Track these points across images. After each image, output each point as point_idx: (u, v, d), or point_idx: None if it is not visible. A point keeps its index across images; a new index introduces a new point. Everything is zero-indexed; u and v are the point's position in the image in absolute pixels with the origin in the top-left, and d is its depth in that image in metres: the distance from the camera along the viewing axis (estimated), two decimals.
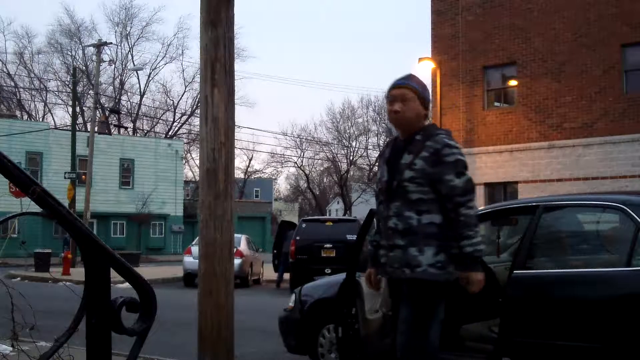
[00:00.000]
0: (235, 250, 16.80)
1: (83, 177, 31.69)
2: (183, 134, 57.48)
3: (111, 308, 2.66)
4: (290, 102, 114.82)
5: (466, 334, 5.72)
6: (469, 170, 3.85)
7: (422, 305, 3.81)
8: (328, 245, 18.62)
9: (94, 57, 36.75)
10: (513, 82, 21.78)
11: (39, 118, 55.62)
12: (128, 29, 56.88)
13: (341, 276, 5.76)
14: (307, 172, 61.39)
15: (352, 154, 56.41)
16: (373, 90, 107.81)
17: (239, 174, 60.76)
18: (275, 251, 21.41)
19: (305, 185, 64.18)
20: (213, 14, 5.21)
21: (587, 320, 4.74)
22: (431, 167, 3.76)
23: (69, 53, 55.79)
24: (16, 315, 4.60)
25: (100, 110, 46.84)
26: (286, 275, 20.53)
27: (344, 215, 54.65)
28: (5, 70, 55.29)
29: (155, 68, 57.90)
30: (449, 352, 5.59)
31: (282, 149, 67.92)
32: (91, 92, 42.59)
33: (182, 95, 59.95)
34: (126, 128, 51.45)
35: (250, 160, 64.52)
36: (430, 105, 4.11)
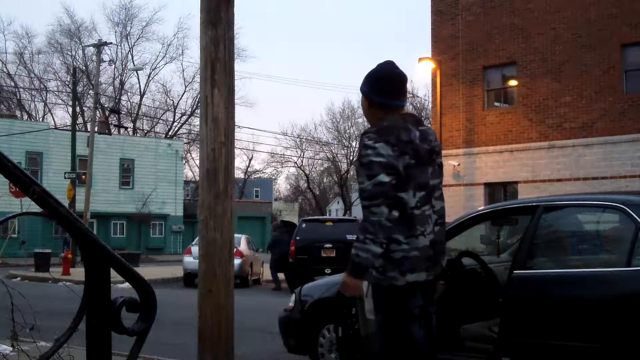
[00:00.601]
0: (235, 250, 16.79)
1: (83, 177, 31.68)
2: (183, 134, 57.51)
3: (111, 308, 2.66)
4: (290, 102, 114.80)
5: (466, 334, 5.72)
6: (393, 171, 3.56)
7: (378, 308, 3.80)
8: (328, 245, 18.62)
9: (94, 57, 36.75)
10: (513, 82, 21.78)
11: (39, 118, 55.64)
12: (128, 29, 56.93)
13: (341, 276, 5.76)
14: (307, 172, 61.39)
15: (352, 154, 56.36)
16: None
17: (239, 174, 60.77)
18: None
19: (305, 185, 64.18)
20: (213, 14, 5.21)
21: (587, 320, 4.74)
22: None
23: (69, 53, 55.83)
24: (16, 315, 4.60)
25: (100, 110, 46.85)
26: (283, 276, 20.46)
27: (344, 215, 54.64)
28: (5, 70, 55.33)
29: (155, 68, 57.95)
30: (449, 352, 5.59)
31: (282, 149, 67.93)
32: (91, 92, 42.58)
33: (182, 95, 60.04)
34: (126, 128, 51.43)
35: (250, 160, 64.59)
36: (397, 97, 3.81)
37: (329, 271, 16.34)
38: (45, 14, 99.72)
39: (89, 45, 47.19)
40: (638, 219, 4.73)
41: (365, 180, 3.58)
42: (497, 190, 21.85)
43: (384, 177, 3.54)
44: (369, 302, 5.33)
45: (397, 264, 3.62)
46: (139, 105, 56.90)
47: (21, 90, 55.38)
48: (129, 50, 57.22)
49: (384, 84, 3.80)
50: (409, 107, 43.75)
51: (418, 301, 3.76)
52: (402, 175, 3.61)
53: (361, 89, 3.89)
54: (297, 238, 19.04)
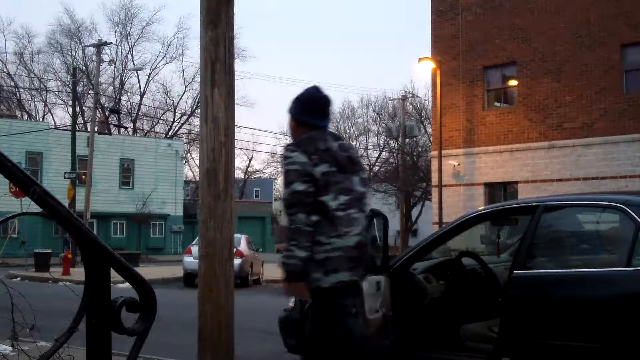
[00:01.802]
0: (235, 250, 16.78)
1: (83, 177, 31.69)
2: (183, 134, 57.46)
3: (111, 308, 2.66)
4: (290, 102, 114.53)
5: (466, 334, 5.72)
6: (309, 179, 3.80)
7: (317, 312, 4.03)
8: None
9: (94, 57, 36.76)
10: (513, 82, 21.78)
11: (39, 118, 55.61)
12: (128, 29, 56.86)
13: None
14: None
15: None
16: (373, 90, 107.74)
17: (239, 174, 60.71)
18: None
19: None
20: (213, 14, 5.22)
21: (587, 320, 4.74)
22: None
23: (69, 53, 55.77)
24: (16, 315, 4.61)
25: (100, 110, 46.85)
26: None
27: None
28: (5, 70, 55.30)
29: (155, 68, 57.83)
30: (449, 352, 5.60)
31: (282, 149, 67.75)
32: (91, 92, 42.59)
33: (182, 95, 59.85)
34: (126, 128, 51.40)
35: (250, 160, 64.56)
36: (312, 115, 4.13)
37: None
38: (45, 14, 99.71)
39: (89, 45, 47.22)
40: (638, 219, 4.73)
41: (285, 188, 3.86)
42: (497, 190, 21.85)
43: (298, 186, 3.78)
44: (369, 302, 5.34)
45: (320, 265, 3.79)
46: (139, 105, 56.89)
47: (21, 90, 55.41)
48: (129, 50, 57.22)
49: (310, 106, 4.09)
50: (409, 107, 43.72)
51: (352, 300, 3.95)
52: (320, 181, 3.81)
53: (289, 111, 4.12)
54: None
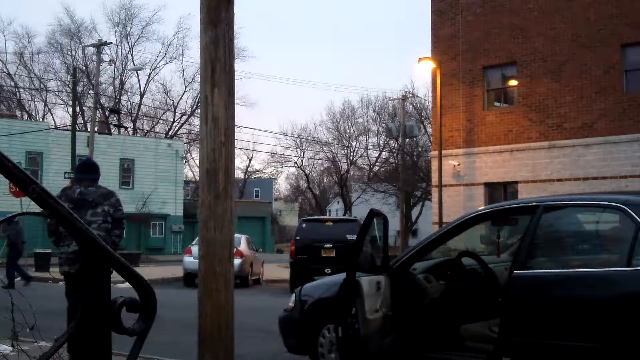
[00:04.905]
0: (235, 250, 16.76)
1: None
2: (183, 134, 57.45)
3: (111, 308, 2.66)
4: (290, 102, 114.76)
5: (466, 334, 5.72)
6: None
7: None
8: (328, 245, 18.61)
9: (94, 57, 36.74)
10: (513, 82, 21.77)
11: (39, 118, 55.60)
12: (128, 29, 56.82)
13: (341, 276, 5.76)
14: (307, 172, 61.38)
15: (352, 154, 56.30)
16: (373, 90, 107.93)
17: (239, 174, 60.71)
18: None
19: (305, 185, 64.17)
20: (213, 14, 5.21)
21: (587, 320, 4.74)
22: None
23: (69, 53, 55.76)
24: (16, 315, 4.61)
25: (100, 110, 46.83)
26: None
27: (344, 215, 54.60)
28: (5, 70, 55.28)
29: (155, 68, 57.78)
30: (449, 352, 5.60)
31: (282, 149, 67.62)
32: (91, 92, 42.57)
33: (182, 95, 59.85)
34: (126, 128, 51.37)
35: (250, 160, 64.58)
36: None
37: (329, 271, 16.32)
38: (45, 14, 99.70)
39: (89, 45, 47.16)
40: (638, 219, 4.73)
41: None
42: (497, 190, 21.84)
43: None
44: (369, 302, 5.34)
45: (59, 260, 6.86)
46: (139, 105, 56.88)
47: (21, 90, 55.40)
48: (129, 50, 57.20)
49: (77, 168, 7.41)
50: (409, 107, 43.77)
51: (73, 284, 6.75)
52: None
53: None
54: (297, 238, 19.04)
